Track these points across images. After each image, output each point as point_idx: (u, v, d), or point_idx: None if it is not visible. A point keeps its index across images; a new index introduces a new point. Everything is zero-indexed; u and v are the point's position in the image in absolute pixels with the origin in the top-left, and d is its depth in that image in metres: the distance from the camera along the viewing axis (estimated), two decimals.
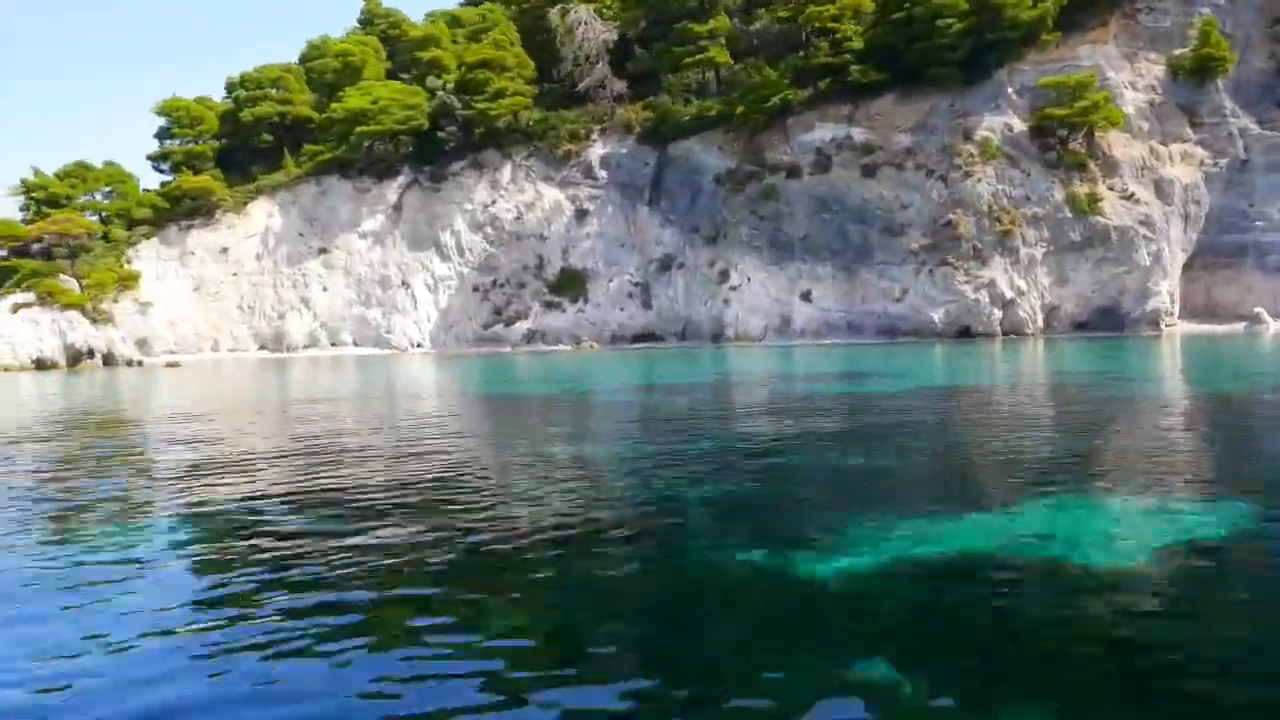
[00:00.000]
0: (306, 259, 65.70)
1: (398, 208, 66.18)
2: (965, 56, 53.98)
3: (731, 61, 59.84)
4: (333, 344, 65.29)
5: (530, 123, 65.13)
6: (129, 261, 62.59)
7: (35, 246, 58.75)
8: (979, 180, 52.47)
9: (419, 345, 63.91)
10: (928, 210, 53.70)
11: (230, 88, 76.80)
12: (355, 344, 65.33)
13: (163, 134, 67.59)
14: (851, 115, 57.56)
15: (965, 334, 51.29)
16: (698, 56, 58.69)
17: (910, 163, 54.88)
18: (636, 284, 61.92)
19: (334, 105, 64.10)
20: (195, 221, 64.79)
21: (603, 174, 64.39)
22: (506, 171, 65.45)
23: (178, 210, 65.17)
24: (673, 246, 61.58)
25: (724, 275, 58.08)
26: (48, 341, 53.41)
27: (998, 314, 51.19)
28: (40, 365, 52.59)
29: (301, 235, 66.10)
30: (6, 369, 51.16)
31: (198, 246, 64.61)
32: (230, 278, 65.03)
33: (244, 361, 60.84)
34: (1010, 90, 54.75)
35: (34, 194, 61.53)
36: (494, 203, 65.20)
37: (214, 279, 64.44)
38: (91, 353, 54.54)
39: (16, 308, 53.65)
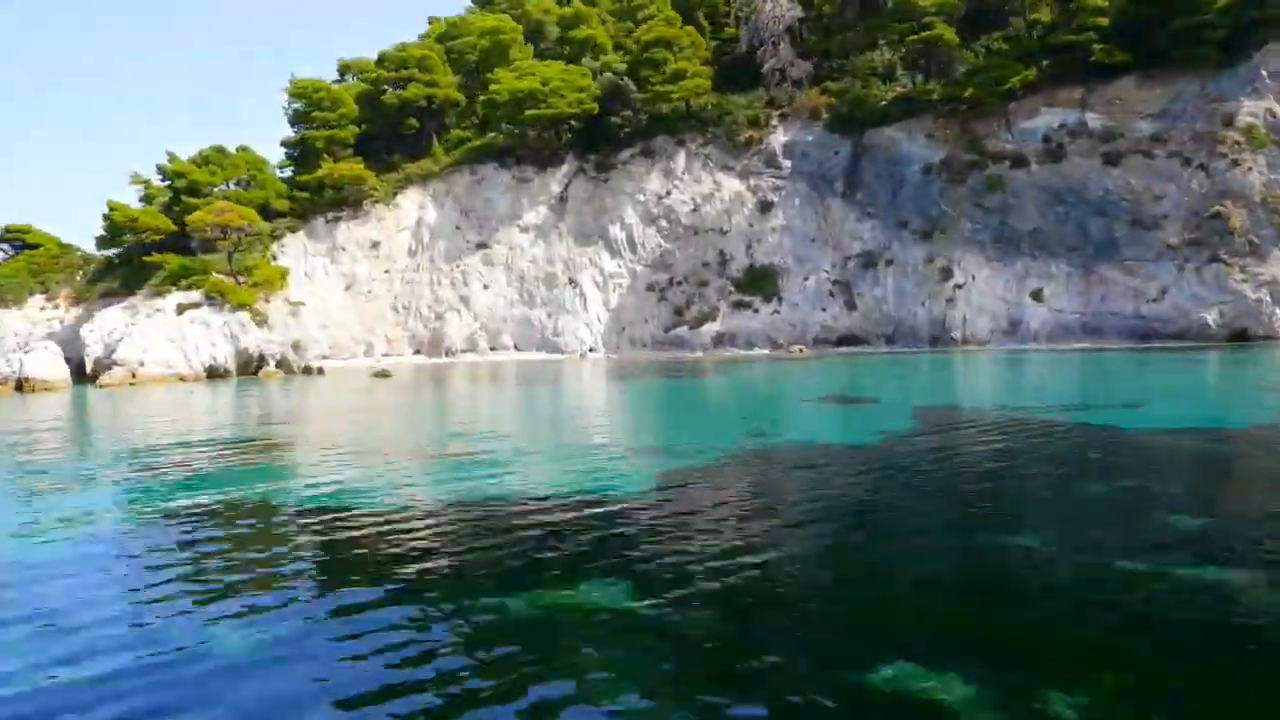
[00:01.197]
0: (465, 255, 60.25)
1: (562, 199, 60.92)
2: (1224, 37, 49.77)
3: (957, 40, 55.07)
4: (492, 347, 59.97)
5: (708, 106, 60.09)
6: (274, 257, 56.81)
7: (183, 240, 52.80)
8: (1249, 169, 48.29)
9: (591, 349, 58.66)
10: (1186, 202, 49.44)
11: (343, 70, 71.28)
12: (516, 347, 60.07)
13: (299, 118, 61.53)
14: (1084, 99, 53.22)
15: (1240, 338, 47.05)
16: (922, 34, 53.79)
17: (1161, 150, 50.59)
18: (835, 282, 57.11)
19: (495, 87, 58.62)
20: (342, 213, 59.11)
21: (787, 163, 59.58)
22: (680, 160, 60.42)
23: (319, 201, 59.46)
24: (874, 242, 56.84)
25: (945, 273, 53.48)
26: (220, 347, 47.68)
27: None
28: (212, 374, 46.83)
29: (459, 229, 60.66)
30: (181, 379, 45.35)
31: (348, 241, 58.94)
32: (383, 275, 59.45)
33: (441, 367, 55.47)
34: (1264, 72, 50.62)
35: (175, 182, 55.37)
36: (668, 194, 60.17)
37: (365, 277, 58.82)
38: (263, 359, 48.81)
39: (183, 308, 47.79)
